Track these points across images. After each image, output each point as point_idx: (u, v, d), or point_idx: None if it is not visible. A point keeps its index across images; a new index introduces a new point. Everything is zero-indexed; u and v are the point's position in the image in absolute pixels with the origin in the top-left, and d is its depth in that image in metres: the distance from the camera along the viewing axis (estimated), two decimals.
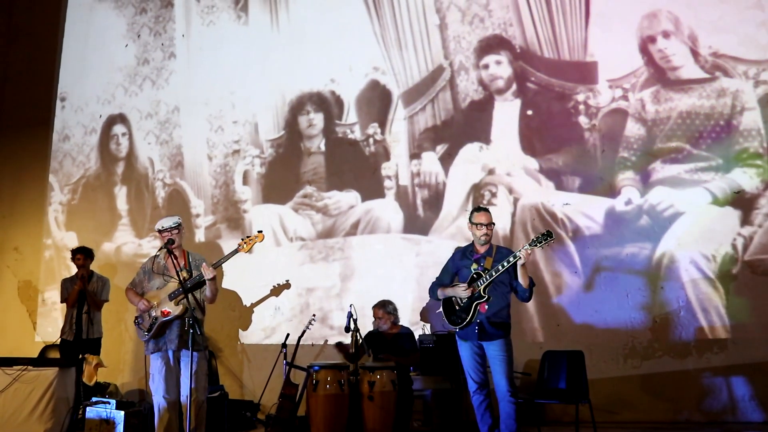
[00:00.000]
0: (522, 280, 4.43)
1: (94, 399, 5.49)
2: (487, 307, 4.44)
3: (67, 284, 6.58)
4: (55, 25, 8.62)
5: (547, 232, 4.33)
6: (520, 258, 4.33)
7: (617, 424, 5.58)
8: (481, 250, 4.59)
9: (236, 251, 4.54)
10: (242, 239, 4.60)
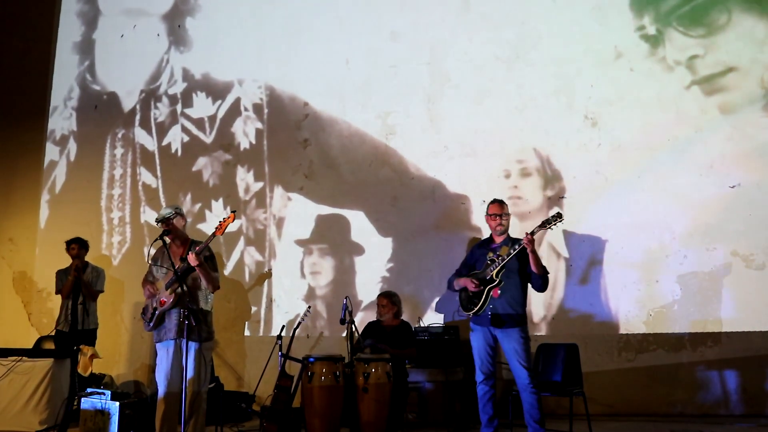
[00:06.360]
0: (533, 266, 4.46)
1: (89, 390, 5.48)
2: (499, 292, 4.48)
3: (61, 275, 6.56)
4: (50, 14, 8.58)
5: (557, 213, 4.40)
6: (524, 244, 4.37)
7: (611, 416, 5.61)
8: (498, 240, 4.68)
9: (214, 235, 4.57)
10: (219, 222, 4.60)
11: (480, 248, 4.78)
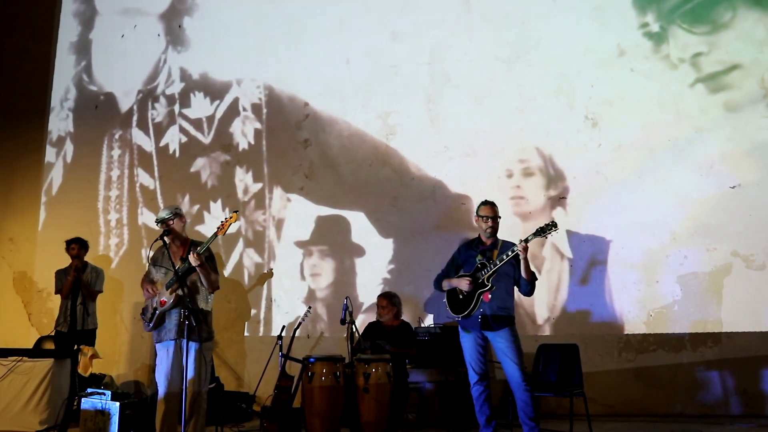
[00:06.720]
0: (524, 272, 4.46)
1: (89, 390, 5.48)
2: (490, 296, 4.48)
3: (61, 275, 6.56)
4: (50, 14, 8.57)
5: (552, 222, 4.38)
6: (518, 251, 4.36)
7: (611, 416, 5.61)
8: (488, 242, 4.65)
9: (216, 235, 4.59)
10: (221, 222, 4.61)
11: (468, 249, 4.74)
